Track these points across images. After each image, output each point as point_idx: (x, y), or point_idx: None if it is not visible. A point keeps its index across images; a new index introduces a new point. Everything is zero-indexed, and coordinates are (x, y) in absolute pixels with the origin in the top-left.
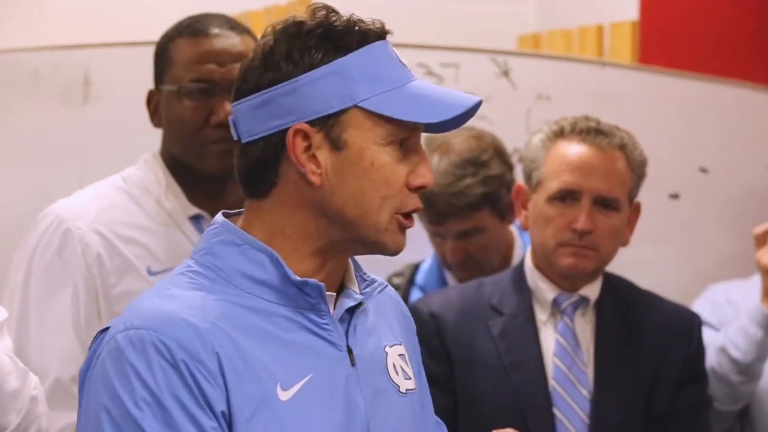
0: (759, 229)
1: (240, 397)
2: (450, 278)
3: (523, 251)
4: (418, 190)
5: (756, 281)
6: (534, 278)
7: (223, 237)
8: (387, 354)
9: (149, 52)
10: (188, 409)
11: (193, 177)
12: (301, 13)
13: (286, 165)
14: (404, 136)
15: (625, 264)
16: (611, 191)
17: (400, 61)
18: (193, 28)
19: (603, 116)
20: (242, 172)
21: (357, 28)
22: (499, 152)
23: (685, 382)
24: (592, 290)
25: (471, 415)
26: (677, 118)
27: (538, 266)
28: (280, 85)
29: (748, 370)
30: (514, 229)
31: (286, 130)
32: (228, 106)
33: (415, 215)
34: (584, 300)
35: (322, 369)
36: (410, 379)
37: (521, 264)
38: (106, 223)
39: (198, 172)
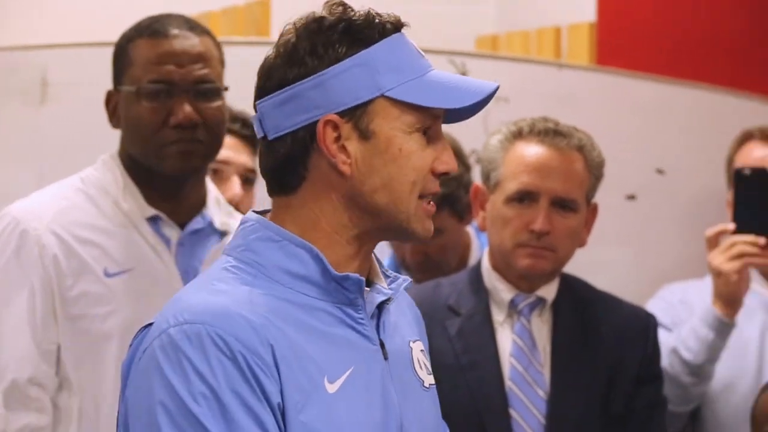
0: (711, 231)
1: (292, 389)
2: None
3: (479, 252)
4: (443, 175)
5: (709, 282)
6: (491, 279)
7: (260, 234)
8: (412, 349)
9: (108, 53)
10: (247, 403)
11: (152, 178)
12: (258, 12)
13: (315, 157)
14: (429, 123)
15: (582, 265)
16: (569, 192)
17: (418, 51)
18: (152, 28)
19: (560, 117)
20: (269, 169)
21: (377, 21)
22: (457, 153)
23: (641, 382)
24: (549, 291)
25: None
26: (634, 119)
27: (496, 267)
28: (306, 79)
29: (699, 372)
30: (470, 229)
31: (314, 123)
32: (187, 107)
33: None
34: (541, 301)
35: (360, 362)
36: (431, 374)
37: (478, 264)
38: (63, 225)
39: (156, 173)
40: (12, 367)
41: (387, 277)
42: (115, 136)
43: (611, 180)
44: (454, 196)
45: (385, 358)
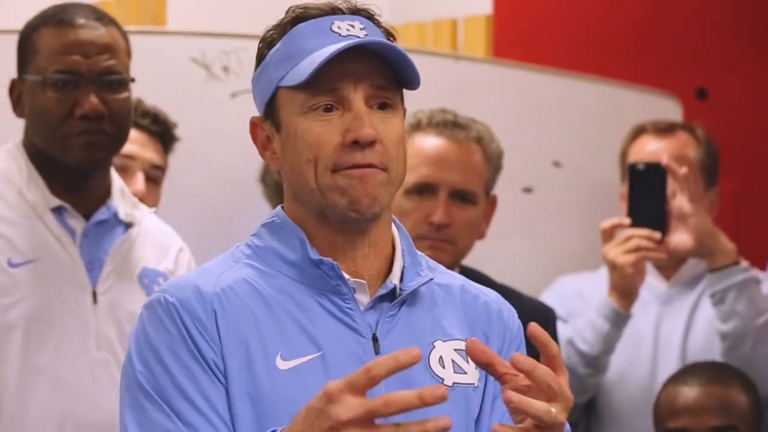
0: (606, 224)
1: (234, 356)
2: None
3: None
4: (355, 145)
5: (603, 274)
6: None
7: (270, 220)
8: (433, 348)
9: (11, 41)
10: (183, 362)
11: (56, 168)
12: (154, 2)
13: None
14: (326, 99)
15: (479, 257)
16: (468, 184)
17: (331, 30)
18: (58, 17)
19: (458, 110)
20: None
21: (295, 13)
22: None
23: None
24: None
25: None
26: (531, 111)
27: None
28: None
29: (595, 363)
30: None
31: None
32: (93, 99)
33: None
34: None
35: (336, 351)
36: (465, 374)
37: None
38: None
39: (61, 163)
40: None
41: (419, 275)
42: (19, 125)
43: (507, 172)
44: None
45: (377, 353)
